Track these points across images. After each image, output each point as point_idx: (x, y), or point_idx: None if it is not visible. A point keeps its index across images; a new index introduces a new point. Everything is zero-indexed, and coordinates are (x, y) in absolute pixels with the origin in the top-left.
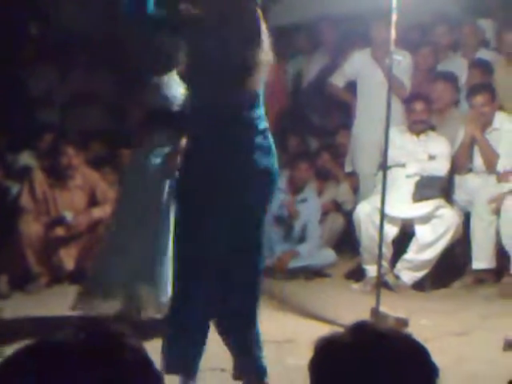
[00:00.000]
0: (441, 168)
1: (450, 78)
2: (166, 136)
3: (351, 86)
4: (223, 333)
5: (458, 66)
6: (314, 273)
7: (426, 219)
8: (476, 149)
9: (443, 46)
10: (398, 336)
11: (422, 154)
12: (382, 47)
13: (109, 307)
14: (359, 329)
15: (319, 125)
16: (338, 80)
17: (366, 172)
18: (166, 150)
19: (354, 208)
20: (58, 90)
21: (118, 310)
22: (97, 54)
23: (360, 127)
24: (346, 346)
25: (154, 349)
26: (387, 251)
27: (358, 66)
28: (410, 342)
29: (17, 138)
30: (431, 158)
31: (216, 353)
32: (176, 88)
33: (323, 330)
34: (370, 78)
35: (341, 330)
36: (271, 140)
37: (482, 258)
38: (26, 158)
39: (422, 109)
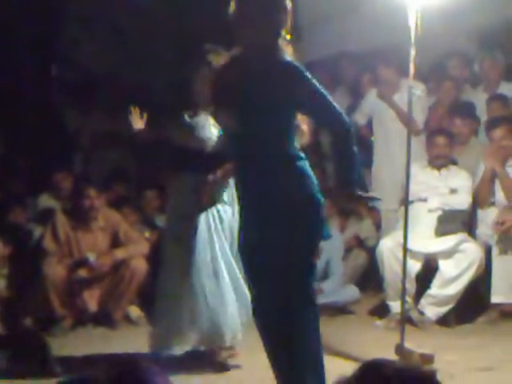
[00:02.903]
0: (463, 202)
1: (467, 111)
2: (196, 177)
3: (370, 124)
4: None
5: (479, 101)
6: (338, 310)
7: (449, 254)
8: (497, 182)
9: (460, 79)
10: (411, 371)
11: (443, 188)
12: (388, 85)
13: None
14: (370, 366)
15: None
16: (359, 118)
17: (387, 208)
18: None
19: (376, 244)
20: (80, 131)
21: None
22: (120, 94)
23: (379, 163)
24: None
25: None
26: (411, 287)
27: (373, 102)
28: (423, 377)
29: (37, 179)
30: (453, 191)
31: None
32: (210, 129)
33: (348, 367)
34: (383, 114)
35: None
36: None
37: (501, 292)
38: (47, 200)
39: (443, 143)
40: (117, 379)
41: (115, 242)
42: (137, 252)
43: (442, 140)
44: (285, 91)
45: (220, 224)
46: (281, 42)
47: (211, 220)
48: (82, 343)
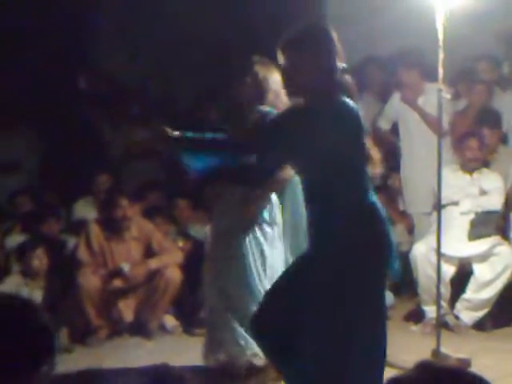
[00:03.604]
0: (495, 203)
1: (493, 121)
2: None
3: (396, 128)
4: None
5: (508, 104)
6: None
7: (483, 257)
8: None
9: (489, 82)
10: (463, 373)
11: (475, 190)
12: (411, 89)
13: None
14: (425, 366)
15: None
16: (384, 123)
17: (419, 211)
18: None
19: (410, 249)
20: (110, 142)
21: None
22: (150, 105)
23: (407, 168)
24: (414, 382)
25: None
26: (445, 291)
27: (398, 107)
28: (477, 379)
29: (71, 190)
30: (485, 193)
31: None
32: None
33: (385, 374)
34: (408, 118)
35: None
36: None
37: None
38: (81, 208)
39: (475, 146)
40: None
41: (149, 252)
42: (171, 261)
43: (475, 143)
44: (353, 134)
45: (265, 241)
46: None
47: (258, 235)
48: (117, 353)
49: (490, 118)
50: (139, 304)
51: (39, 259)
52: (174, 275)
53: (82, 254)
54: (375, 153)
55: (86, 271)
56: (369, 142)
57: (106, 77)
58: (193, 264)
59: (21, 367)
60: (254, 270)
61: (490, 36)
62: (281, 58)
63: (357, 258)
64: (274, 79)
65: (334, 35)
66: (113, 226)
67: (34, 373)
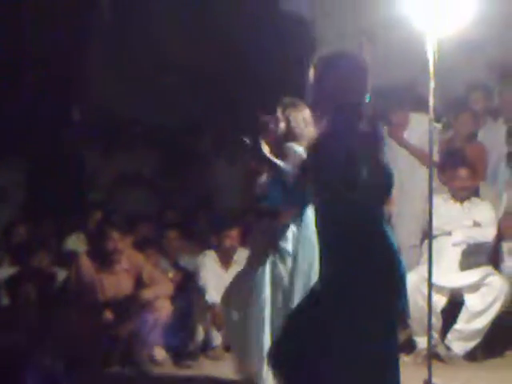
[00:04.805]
0: (487, 235)
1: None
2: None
3: None
4: None
5: (499, 133)
6: None
7: (474, 288)
8: None
9: (480, 112)
10: None
11: (467, 221)
12: (399, 126)
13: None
14: None
15: None
16: None
17: (406, 244)
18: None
19: None
20: (101, 172)
21: None
22: (141, 135)
23: (397, 199)
24: None
25: None
26: (437, 322)
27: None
28: None
29: (65, 222)
30: (476, 224)
31: None
32: None
33: None
34: (396, 152)
35: None
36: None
37: None
38: (73, 243)
39: (465, 175)
40: None
41: (139, 284)
42: (161, 293)
43: (465, 172)
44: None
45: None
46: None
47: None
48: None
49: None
50: (129, 335)
51: (28, 293)
52: (165, 306)
53: (73, 286)
54: None
55: (77, 303)
56: None
57: (99, 107)
58: (183, 295)
59: None
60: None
61: (481, 65)
62: (312, 73)
63: (369, 285)
64: (301, 118)
65: (367, 68)
66: (103, 259)
67: None
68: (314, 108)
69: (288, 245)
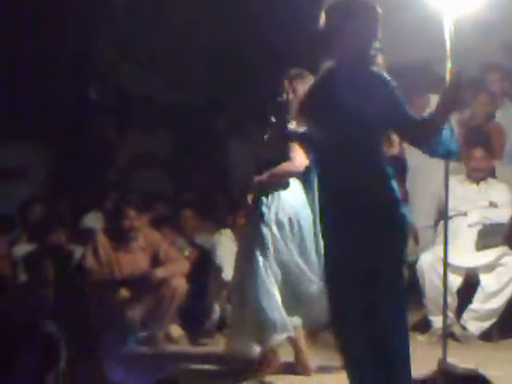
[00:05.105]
0: (503, 215)
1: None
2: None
3: None
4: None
5: None
6: None
7: (490, 268)
8: None
9: (497, 93)
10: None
11: (483, 201)
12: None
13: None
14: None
15: None
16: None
17: (422, 224)
18: None
19: (416, 259)
20: (117, 151)
21: None
22: (157, 114)
23: (410, 181)
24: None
25: None
26: (452, 301)
27: None
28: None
29: (82, 200)
30: (492, 205)
31: None
32: None
33: None
34: None
35: None
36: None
37: None
38: (90, 221)
39: (481, 156)
40: None
41: (155, 262)
42: (177, 271)
43: (480, 153)
44: (377, 103)
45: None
46: (372, 52)
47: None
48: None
49: (477, 136)
50: (145, 314)
51: (46, 269)
52: (181, 285)
53: (89, 263)
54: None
55: (93, 280)
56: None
57: (115, 87)
58: (199, 273)
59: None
60: (261, 265)
61: (499, 46)
62: (323, 20)
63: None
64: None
65: (380, 16)
66: (120, 236)
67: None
68: (325, 55)
69: (270, 211)
